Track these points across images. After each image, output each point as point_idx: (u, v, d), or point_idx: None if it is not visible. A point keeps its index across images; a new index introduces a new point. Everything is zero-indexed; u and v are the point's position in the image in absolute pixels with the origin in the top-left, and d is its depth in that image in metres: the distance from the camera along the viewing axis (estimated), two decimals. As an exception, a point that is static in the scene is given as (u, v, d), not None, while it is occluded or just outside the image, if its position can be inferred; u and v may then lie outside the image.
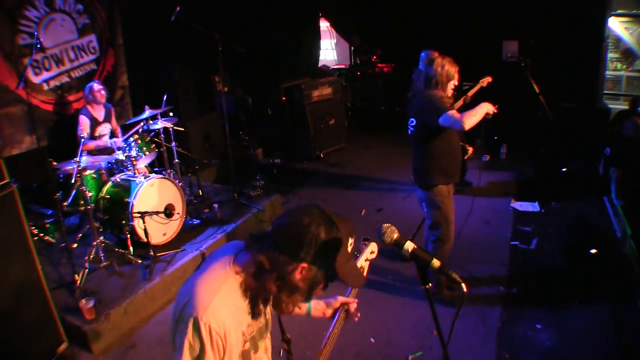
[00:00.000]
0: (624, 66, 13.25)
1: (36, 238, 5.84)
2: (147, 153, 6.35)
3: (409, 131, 4.85)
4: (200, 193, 7.40)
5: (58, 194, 5.20)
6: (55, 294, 4.64)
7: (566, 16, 9.60)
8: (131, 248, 5.72)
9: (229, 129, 7.23)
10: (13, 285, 4.01)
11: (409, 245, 2.16)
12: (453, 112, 4.31)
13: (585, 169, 7.84)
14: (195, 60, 8.80)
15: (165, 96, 7.00)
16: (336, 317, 2.54)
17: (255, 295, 1.92)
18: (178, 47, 8.37)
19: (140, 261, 5.58)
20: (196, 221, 6.59)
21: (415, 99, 4.75)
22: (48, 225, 6.22)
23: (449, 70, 4.53)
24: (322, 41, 13.37)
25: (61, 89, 7.07)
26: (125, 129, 7.10)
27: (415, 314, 4.95)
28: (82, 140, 5.63)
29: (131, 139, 6.29)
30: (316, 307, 2.62)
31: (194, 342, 1.81)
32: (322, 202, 7.88)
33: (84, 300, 4.70)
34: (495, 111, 4.56)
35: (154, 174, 6.17)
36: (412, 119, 4.76)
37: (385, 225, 2.20)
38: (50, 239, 6.11)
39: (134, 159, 6.09)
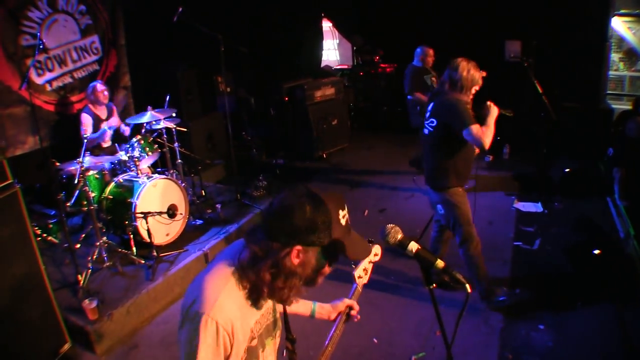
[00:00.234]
0: (627, 66, 13.22)
1: (39, 238, 5.85)
2: (149, 153, 6.35)
3: (426, 131, 4.79)
4: (203, 193, 7.40)
5: (61, 195, 5.20)
6: (58, 294, 4.64)
7: (569, 16, 9.58)
8: (134, 248, 5.73)
9: (231, 129, 7.23)
10: (16, 285, 4.01)
11: (413, 246, 2.17)
12: (477, 130, 4.34)
13: (588, 169, 7.82)
14: (197, 60, 8.80)
15: (168, 97, 7.01)
16: (338, 318, 2.55)
17: (254, 288, 1.92)
18: (180, 47, 8.38)
19: (143, 261, 5.58)
20: (199, 221, 6.60)
21: (437, 99, 4.70)
22: (51, 226, 6.23)
23: (474, 75, 4.54)
24: (324, 41, 13.35)
25: (64, 90, 7.08)
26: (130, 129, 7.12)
27: (419, 315, 4.95)
28: (85, 140, 5.65)
29: (134, 139, 6.30)
30: (320, 310, 2.63)
31: (202, 339, 1.81)
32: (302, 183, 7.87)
33: (87, 301, 4.71)
34: (510, 114, 4.61)
35: (156, 175, 6.17)
36: (432, 120, 4.68)
37: (389, 225, 2.20)
38: (54, 239, 6.11)
39: (136, 159, 6.09)
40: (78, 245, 5.83)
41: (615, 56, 12.32)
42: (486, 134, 4.38)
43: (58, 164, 5.48)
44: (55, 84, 6.96)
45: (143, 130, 6.54)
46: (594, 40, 9.76)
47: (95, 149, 6.65)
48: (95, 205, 5.64)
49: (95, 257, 5.49)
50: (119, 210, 5.81)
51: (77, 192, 5.72)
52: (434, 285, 2.21)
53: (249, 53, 7.08)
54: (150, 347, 4.81)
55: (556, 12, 9.65)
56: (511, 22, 9.94)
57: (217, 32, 6.54)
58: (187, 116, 8.36)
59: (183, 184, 6.35)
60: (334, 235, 1.88)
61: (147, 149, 6.33)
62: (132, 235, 5.74)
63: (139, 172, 6.06)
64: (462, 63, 4.55)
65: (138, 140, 6.28)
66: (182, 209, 6.18)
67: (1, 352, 3.89)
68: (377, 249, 2.65)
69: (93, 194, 5.67)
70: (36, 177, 6.45)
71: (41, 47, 5.70)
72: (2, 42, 6.27)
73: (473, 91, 4.60)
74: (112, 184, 6.00)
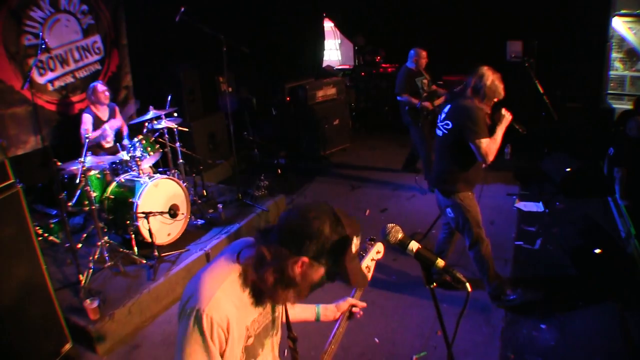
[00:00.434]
0: (628, 66, 13.22)
1: (41, 238, 5.85)
2: (151, 153, 6.36)
3: (439, 133, 4.77)
4: (205, 193, 7.41)
5: (63, 194, 5.20)
6: (59, 294, 4.65)
7: (570, 16, 9.59)
8: (135, 248, 5.73)
9: (233, 129, 7.24)
10: (18, 285, 4.02)
11: (414, 245, 2.17)
12: (486, 144, 4.39)
13: (589, 169, 7.81)
14: (199, 60, 8.80)
15: (170, 97, 7.01)
16: (340, 318, 2.55)
17: (255, 287, 1.93)
18: (182, 47, 8.38)
19: (144, 261, 5.59)
20: (200, 221, 6.60)
21: (455, 102, 4.66)
22: (53, 226, 6.23)
23: (497, 87, 4.53)
24: (326, 41, 13.36)
25: (66, 90, 7.09)
26: (131, 129, 7.12)
27: (420, 314, 4.95)
28: (87, 139, 5.65)
29: (136, 139, 6.30)
30: (325, 312, 2.64)
31: (195, 334, 1.82)
32: (326, 201, 7.87)
33: (88, 301, 4.71)
34: (522, 130, 4.63)
35: (158, 174, 6.18)
36: (447, 122, 4.65)
37: (390, 225, 2.21)
38: (55, 239, 6.12)
39: (138, 159, 6.10)
40: (79, 245, 5.82)
41: (615, 56, 12.32)
42: (492, 149, 4.42)
43: (60, 163, 5.48)
44: (57, 84, 6.97)
45: (145, 130, 6.54)
46: (595, 41, 9.77)
47: (97, 149, 6.65)
48: (97, 205, 5.65)
49: (96, 256, 5.50)
50: (121, 210, 5.81)
51: (79, 191, 5.74)
52: (435, 284, 2.21)
53: (250, 53, 7.08)
54: (152, 347, 4.81)
55: (557, 12, 9.66)
56: (512, 22, 9.95)
57: (219, 32, 6.55)
58: (189, 116, 8.36)
59: (185, 184, 6.34)
60: (345, 259, 1.89)
61: (149, 148, 6.34)
62: (133, 235, 5.74)
63: (140, 171, 6.07)
64: (488, 72, 4.54)
65: (140, 140, 6.29)
66: (183, 208, 6.18)
67: (3, 352, 3.89)
68: (379, 247, 2.66)
69: (94, 194, 5.67)
70: (38, 176, 6.42)
71: (43, 46, 5.71)
72: (4, 41, 6.28)
73: (493, 102, 4.57)
74: (114, 184, 6.01)
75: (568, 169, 7.55)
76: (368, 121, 11.94)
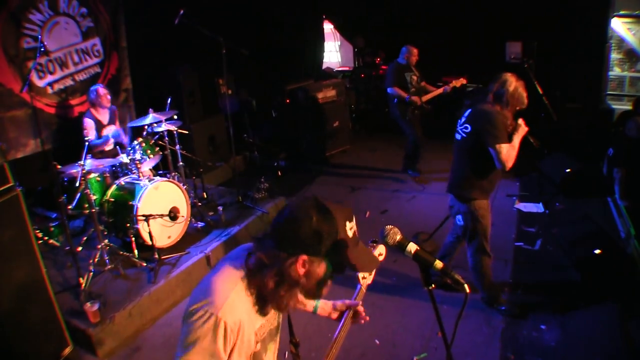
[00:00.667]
0: (627, 67, 13.24)
1: (41, 241, 5.87)
2: (151, 156, 6.36)
3: (458, 136, 4.70)
4: (205, 196, 7.41)
5: (62, 197, 5.21)
6: (60, 297, 4.65)
7: (569, 17, 9.60)
8: (136, 251, 5.74)
9: (233, 132, 7.24)
10: (18, 288, 4.02)
11: (412, 247, 2.18)
12: (506, 150, 4.31)
13: (589, 169, 7.82)
14: (199, 62, 8.81)
15: (169, 99, 7.01)
16: (343, 319, 2.55)
17: (259, 294, 1.94)
18: (182, 49, 8.39)
19: (144, 264, 5.59)
20: (201, 224, 6.59)
21: (476, 106, 4.59)
22: (52, 229, 6.24)
23: (521, 94, 4.45)
24: (326, 43, 13.38)
25: (65, 92, 7.08)
26: (131, 132, 7.12)
27: (421, 316, 4.95)
28: (88, 143, 5.65)
29: (135, 142, 6.30)
30: (323, 306, 2.64)
31: (207, 338, 1.82)
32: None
33: (88, 304, 4.71)
34: (536, 144, 4.62)
35: (158, 177, 6.18)
36: (466, 125, 4.58)
37: (388, 227, 2.21)
38: (55, 242, 6.13)
39: (138, 162, 6.11)
40: (79, 248, 5.82)
41: (615, 57, 12.34)
42: (511, 155, 4.34)
43: (59, 166, 5.48)
44: (56, 87, 6.97)
45: (144, 133, 6.54)
46: (594, 41, 9.78)
47: (97, 152, 6.65)
48: (97, 208, 5.65)
49: (96, 259, 5.50)
50: (121, 212, 5.81)
51: (79, 194, 5.73)
52: (433, 285, 2.21)
53: (250, 55, 7.08)
54: (153, 350, 4.81)
55: (556, 13, 9.66)
56: (512, 23, 9.96)
57: (218, 35, 6.55)
58: (189, 118, 8.37)
59: (185, 187, 6.34)
60: (341, 247, 1.90)
61: (149, 151, 6.34)
62: (133, 238, 5.74)
63: (140, 174, 6.07)
64: (511, 79, 4.45)
65: (139, 143, 6.29)
66: (183, 211, 6.18)
67: (3, 355, 3.89)
68: (381, 249, 2.66)
69: (94, 197, 5.67)
70: (37, 179, 6.46)
71: (42, 49, 5.71)
72: (4, 44, 6.27)
73: (515, 110, 4.50)
74: (114, 187, 6.01)
75: (568, 170, 7.55)
76: (368, 123, 11.94)
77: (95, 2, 7.46)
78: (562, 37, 9.58)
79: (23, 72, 6.43)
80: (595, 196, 7.40)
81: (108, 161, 6.14)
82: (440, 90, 8.43)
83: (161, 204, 5.89)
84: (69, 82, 7.13)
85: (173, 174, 6.85)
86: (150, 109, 6.53)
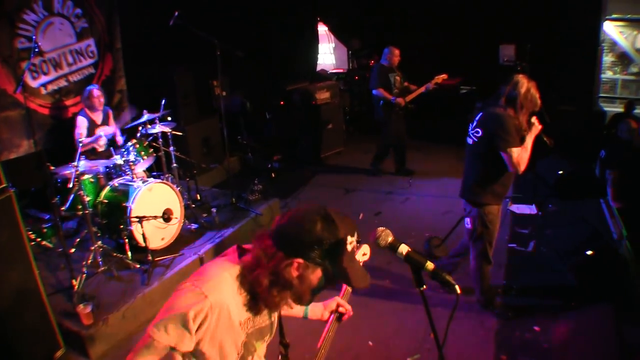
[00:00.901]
0: (620, 69, 13.32)
1: (33, 243, 5.83)
2: (145, 157, 6.35)
3: (470, 141, 4.66)
4: (199, 197, 7.40)
5: (56, 199, 5.19)
6: (52, 299, 4.62)
7: (562, 20, 9.64)
8: (129, 253, 5.71)
9: (227, 133, 7.24)
10: (10, 290, 4.01)
11: (403, 248, 2.18)
12: (517, 154, 4.28)
13: (581, 171, 7.86)
14: (194, 64, 8.81)
15: (164, 100, 7.00)
16: (330, 319, 2.56)
17: (252, 290, 1.95)
18: (177, 51, 8.38)
19: (138, 266, 5.57)
20: (194, 226, 6.58)
21: (487, 110, 4.52)
22: (45, 230, 6.21)
23: (534, 96, 4.36)
24: (320, 45, 13.38)
25: (59, 93, 7.06)
26: (125, 133, 7.10)
27: (414, 317, 4.95)
28: (80, 144, 5.64)
29: (129, 143, 6.29)
30: (313, 309, 2.64)
31: (189, 304, 1.86)
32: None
33: (81, 305, 4.69)
34: (550, 143, 4.60)
35: (152, 179, 6.16)
36: (477, 130, 4.54)
37: (380, 228, 2.22)
38: (48, 243, 6.09)
39: (132, 163, 6.09)
40: (73, 250, 5.81)
41: (607, 60, 12.42)
42: (523, 158, 4.31)
43: (53, 167, 5.46)
44: (50, 88, 6.95)
45: (138, 134, 6.53)
46: (587, 44, 9.83)
47: (90, 153, 6.62)
48: (90, 209, 5.64)
49: (90, 261, 5.47)
50: (114, 214, 5.79)
51: (72, 196, 5.72)
52: (425, 287, 2.22)
53: (245, 57, 7.08)
54: (146, 352, 4.79)
55: (549, 16, 9.71)
56: (506, 26, 10.01)
57: (213, 36, 6.54)
58: (183, 120, 8.36)
59: (178, 188, 6.33)
60: (341, 259, 1.91)
61: (143, 153, 6.33)
62: (127, 240, 5.72)
63: (134, 176, 6.05)
64: (523, 80, 4.36)
65: (133, 144, 6.27)
66: (177, 213, 6.16)
67: (-5, 357, 3.88)
68: (365, 249, 2.67)
69: (88, 198, 5.65)
70: (31, 180, 6.43)
71: (36, 50, 5.69)
72: (-3, 44, 6.27)
73: (529, 112, 4.41)
74: (107, 188, 6.00)
75: (560, 172, 7.58)
76: (362, 125, 11.95)
77: (90, 3, 7.44)
78: (554, 40, 9.63)
79: (17, 72, 6.41)
80: (588, 198, 7.43)
81: (102, 162, 6.12)
82: (422, 89, 8.60)
83: (155, 205, 5.87)
84: (62, 83, 7.11)
85: (167, 175, 6.84)
86: (145, 110, 6.52)
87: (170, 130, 6.76)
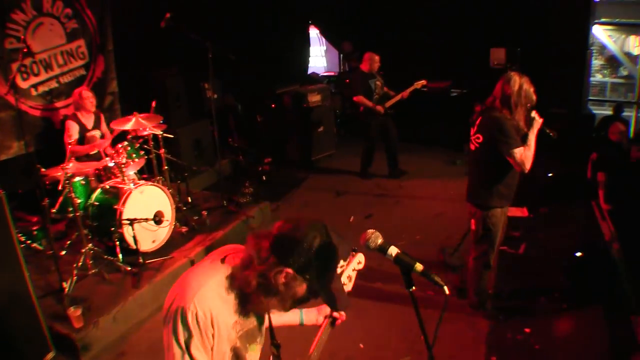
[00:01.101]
0: (608, 72, 13.45)
1: (23, 245, 5.79)
2: (136, 160, 6.31)
3: (472, 146, 4.68)
4: (190, 200, 7.38)
5: (46, 201, 5.17)
6: (42, 302, 4.61)
7: (552, 24, 9.71)
8: (120, 255, 5.69)
9: (218, 136, 7.23)
10: (0, 293, 3.98)
11: (393, 250, 2.20)
12: (520, 154, 4.28)
13: (572, 174, 7.91)
14: (185, 66, 8.80)
15: (155, 103, 6.99)
16: (323, 323, 2.56)
17: (240, 291, 1.96)
18: (169, 53, 8.37)
19: (129, 268, 5.55)
20: (185, 228, 6.56)
21: (486, 115, 4.53)
22: (36, 232, 6.17)
23: (527, 91, 4.36)
24: (311, 48, 13.40)
25: (50, 95, 7.02)
26: (115, 135, 7.07)
27: (405, 319, 4.94)
28: (70, 146, 5.62)
29: (120, 145, 6.26)
30: (308, 315, 2.66)
31: (183, 332, 1.87)
32: (311, 208, 7.91)
33: (72, 308, 4.67)
34: (554, 135, 4.59)
35: (143, 181, 6.14)
36: (478, 135, 4.56)
37: (370, 230, 2.24)
38: (38, 246, 6.05)
39: (123, 165, 6.06)
40: (63, 252, 5.79)
41: (596, 63, 12.52)
42: (527, 157, 4.31)
43: (43, 169, 5.44)
44: (40, 89, 6.91)
45: (129, 137, 6.50)
46: (576, 48, 9.91)
47: (81, 155, 6.59)
48: (81, 211, 5.62)
49: (80, 264, 5.45)
50: (105, 216, 5.77)
51: (63, 198, 5.69)
52: (414, 288, 2.23)
53: (236, 60, 7.08)
54: (138, 355, 4.78)
55: (540, 20, 9.77)
56: (496, 30, 10.07)
57: (205, 39, 6.54)
58: (175, 122, 8.34)
59: (169, 191, 6.32)
60: (326, 279, 1.94)
61: (134, 155, 6.29)
62: (118, 242, 5.70)
63: (125, 178, 6.03)
64: (514, 77, 4.37)
65: (124, 147, 6.24)
66: (168, 215, 6.15)
67: (-16, 361, 3.86)
68: (360, 257, 2.67)
69: (79, 201, 5.63)
70: (21, 182, 6.40)
71: (27, 51, 5.66)
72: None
73: (526, 108, 4.41)
74: (98, 190, 5.97)
75: (551, 174, 7.62)
76: (353, 127, 11.94)
77: (82, 4, 7.40)
78: (544, 44, 9.69)
79: (7, 73, 6.37)
80: (578, 200, 7.47)
81: (92, 164, 6.10)
82: (399, 97, 8.79)
83: (146, 208, 5.85)
84: (53, 84, 7.07)
85: (158, 178, 6.82)
86: (136, 112, 6.50)
87: (161, 132, 6.73)
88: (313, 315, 2.65)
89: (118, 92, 8.16)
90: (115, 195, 5.82)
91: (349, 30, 12.52)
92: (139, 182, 6.05)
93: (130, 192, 5.70)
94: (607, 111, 11.16)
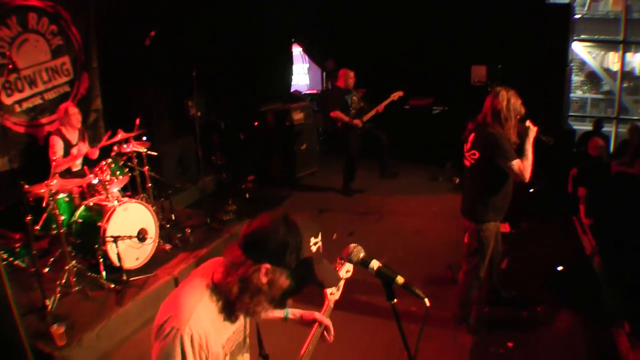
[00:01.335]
0: (587, 88, 13.65)
1: (5, 262, 5.75)
2: (120, 177, 6.31)
3: (467, 163, 4.78)
4: (173, 217, 7.38)
5: (29, 218, 5.15)
6: (25, 320, 4.57)
7: (532, 41, 9.86)
8: (103, 272, 5.66)
9: (201, 154, 7.25)
10: (-18, 310, 3.96)
11: (375, 264, 2.27)
12: (518, 166, 4.38)
13: (553, 189, 8.01)
14: (169, 84, 8.82)
15: (138, 120, 7.01)
16: (312, 332, 2.59)
17: (226, 301, 1.99)
18: (153, 71, 8.39)
19: (112, 286, 5.52)
20: (169, 245, 6.56)
21: (479, 131, 4.64)
22: (18, 249, 6.12)
23: (515, 104, 4.49)
24: (294, 66, 13.48)
25: (34, 111, 6.99)
26: (99, 152, 7.06)
27: (389, 334, 4.93)
28: (54, 162, 5.61)
29: (104, 162, 6.26)
30: (293, 312, 2.70)
31: (176, 354, 1.85)
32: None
33: (55, 325, 4.64)
34: (549, 142, 4.67)
35: (127, 198, 6.15)
36: (473, 152, 4.65)
37: (352, 245, 2.31)
38: (20, 263, 6.00)
39: (107, 182, 6.05)
40: (46, 270, 5.76)
41: (576, 79, 12.72)
42: (526, 167, 4.42)
43: (27, 186, 5.42)
44: (25, 105, 6.87)
45: (113, 154, 6.51)
46: (556, 65, 10.06)
47: (65, 172, 6.58)
48: (65, 228, 5.60)
49: (63, 281, 5.41)
50: (89, 233, 5.76)
51: (46, 215, 5.67)
52: (396, 300, 2.28)
53: (219, 78, 7.13)
54: (121, 372, 4.76)
55: (519, 37, 9.91)
56: (476, 48, 10.22)
57: (188, 57, 6.58)
58: (158, 140, 8.32)
59: (153, 208, 6.32)
60: (306, 261, 1.97)
61: (118, 172, 6.29)
62: (101, 260, 5.68)
63: (109, 195, 6.02)
64: (502, 92, 4.51)
65: (108, 164, 6.24)
66: (152, 233, 6.15)
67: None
68: (348, 267, 2.73)
69: (62, 217, 5.61)
70: (4, 199, 6.36)
71: (11, 67, 5.65)
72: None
73: (516, 120, 4.53)
74: (82, 207, 5.96)
75: (532, 189, 7.72)
76: (335, 145, 12.00)
77: (67, 21, 7.40)
78: (525, 61, 9.83)
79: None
80: (559, 215, 7.57)
81: (76, 181, 6.09)
82: (373, 112, 8.96)
83: (130, 225, 5.86)
84: (37, 100, 7.03)
85: (141, 195, 6.82)
86: (120, 130, 6.51)
87: (145, 150, 6.75)
88: (298, 313, 2.69)
89: (102, 110, 8.15)
90: (99, 213, 5.81)
91: (332, 48, 12.62)
92: (122, 199, 6.04)
93: (114, 210, 5.71)
94: (588, 127, 11.33)
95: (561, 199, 7.74)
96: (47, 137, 6.67)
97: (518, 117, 4.53)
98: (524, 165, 4.42)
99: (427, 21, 11.02)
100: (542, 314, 5.33)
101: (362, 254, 2.30)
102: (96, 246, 5.68)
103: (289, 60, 12.98)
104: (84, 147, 6.66)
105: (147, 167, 6.94)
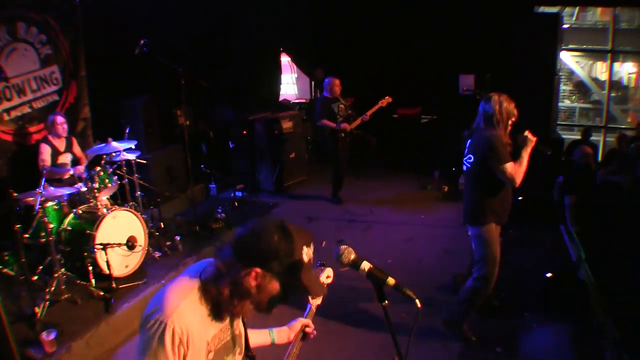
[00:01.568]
0: (576, 98, 13.77)
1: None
2: (109, 185, 6.32)
3: (464, 167, 4.84)
4: (162, 226, 7.39)
5: (18, 226, 5.15)
6: (14, 328, 4.56)
7: (520, 50, 9.93)
8: (93, 280, 5.66)
9: (190, 162, 7.27)
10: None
11: (365, 265, 2.30)
12: (510, 169, 4.44)
13: (540, 197, 8.08)
14: (158, 93, 8.83)
15: (127, 129, 7.02)
16: (293, 339, 2.61)
17: (214, 301, 2.01)
18: (141, 80, 8.40)
19: (102, 293, 5.52)
20: (158, 253, 6.57)
21: (475, 136, 4.73)
22: (7, 257, 6.10)
23: (507, 108, 4.57)
24: (282, 75, 13.52)
25: (22, 120, 6.97)
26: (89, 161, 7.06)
27: (379, 338, 4.98)
28: (44, 169, 5.62)
29: (93, 171, 6.26)
30: (279, 334, 2.70)
31: (157, 345, 1.89)
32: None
33: (44, 333, 4.63)
34: (547, 152, 4.73)
35: (116, 206, 6.15)
36: (470, 156, 4.73)
37: (343, 246, 2.34)
38: (9, 271, 5.98)
39: (96, 190, 6.05)
40: (35, 277, 5.74)
41: (565, 89, 12.81)
42: (518, 172, 4.48)
43: (16, 194, 5.41)
44: (13, 114, 6.84)
45: (103, 162, 6.51)
46: (544, 74, 10.13)
47: (54, 180, 6.56)
48: (54, 236, 5.59)
49: (53, 289, 5.40)
50: (78, 241, 5.76)
51: (35, 223, 5.66)
52: (386, 302, 2.31)
53: (208, 87, 7.16)
54: (110, 379, 4.75)
55: (507, 46, 9.99)
56: (465, 57, 10.29)
57: (177, 65, 6.61)
58: (147, 149, 8.34)
59: (143, 216, 6.33)
60: (296, 269, 1.99)
61: (107, 180, 6.30)
62: (91, 267, 5.68)
63: (98, 203, 6.02)
64: (494, 97, 4.60)
65: (97, 172, 6.25)
66: (141, 240, 6.16)
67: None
68: (329, 272, 2.75)
69: (52, 225, 5.60)
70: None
71: (1, 76, 5.65)
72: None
73: (509, 123, 4.62)
74: (71, 215, 5.96)
75: (520, 197, 7.78)
76: (324, 154, 12.05)
77: (55, 30, 7.39)
78: (513, 70, 9.90)
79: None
80: (547, 222, 7.63)
81: (66, 189, 6.08)
82: (359, 120, 8.99)
83: (119, 233, 5.87)
84: (26, 109, 7.01)
85: (131, 203, 6.82)
86: (110, 138, 6.51)
87: (134, 158, 6.77)
88: (285, 334, 2.69)
89: (90, 118, 8.14)
90: (88, 220, 5.81)
91: (320, 57, 12.68)
92: (112, 207, 6.05)
93: (103, 217, 5.71)
94: (576, 135, 11.43)
95: (548, 207, 7.81)
96: (36, 145, 6.66)
97: (511, 120, 4.62)
98: (516, 170, 4.48)
99: (415, 30, 11.10)
100: (530, 320, 5.37)
101: (352, 256, 2.33)
102: (85, 254, 5.69)
103: (277, 69, 13.02)
104: (81, 168, 6.65)
105: (136, 176, 6.95)
